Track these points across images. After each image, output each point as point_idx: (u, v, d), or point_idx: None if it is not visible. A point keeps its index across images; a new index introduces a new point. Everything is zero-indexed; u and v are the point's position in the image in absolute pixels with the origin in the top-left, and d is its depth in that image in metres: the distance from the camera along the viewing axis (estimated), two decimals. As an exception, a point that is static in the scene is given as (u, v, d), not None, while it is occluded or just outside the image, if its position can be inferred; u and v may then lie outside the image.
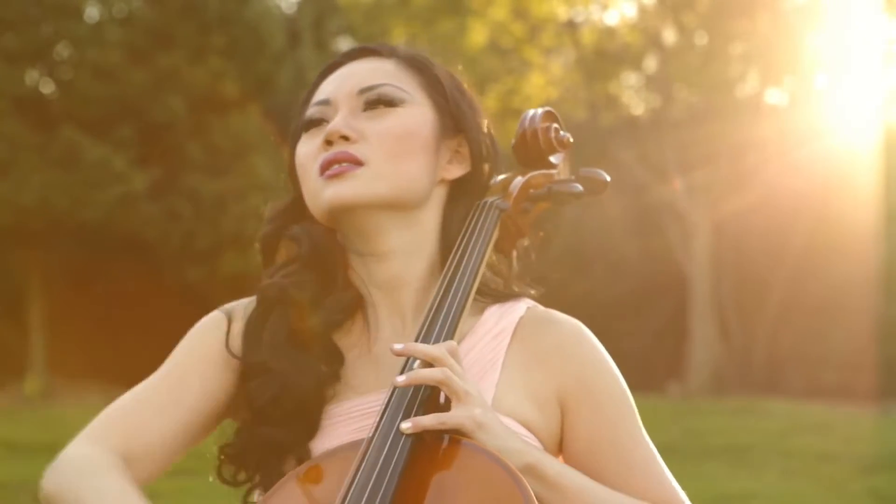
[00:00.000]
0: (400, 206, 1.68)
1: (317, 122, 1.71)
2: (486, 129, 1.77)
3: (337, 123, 1.67)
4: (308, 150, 1.71)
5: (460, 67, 1.82)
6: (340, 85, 1.72)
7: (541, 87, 18.07)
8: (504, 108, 17.52)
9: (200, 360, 1.74)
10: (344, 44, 21.66)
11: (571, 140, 1.83)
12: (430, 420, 1.51)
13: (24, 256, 19.34)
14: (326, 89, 1.73)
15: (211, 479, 1.74)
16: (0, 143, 17.50)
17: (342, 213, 1.67)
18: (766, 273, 19.64)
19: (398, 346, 1.57)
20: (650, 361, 19.31)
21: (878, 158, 17.51)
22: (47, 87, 19.15)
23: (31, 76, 18.88)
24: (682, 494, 1.66)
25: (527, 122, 1.80)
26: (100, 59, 17.95)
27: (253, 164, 18.25)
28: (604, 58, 18.89)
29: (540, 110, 1.81)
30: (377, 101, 1.69)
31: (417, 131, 1.69)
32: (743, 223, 19.17)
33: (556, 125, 1.81)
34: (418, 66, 1.74)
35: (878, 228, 18.10)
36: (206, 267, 18.09)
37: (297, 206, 1.75)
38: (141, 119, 18.21)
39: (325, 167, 1.66)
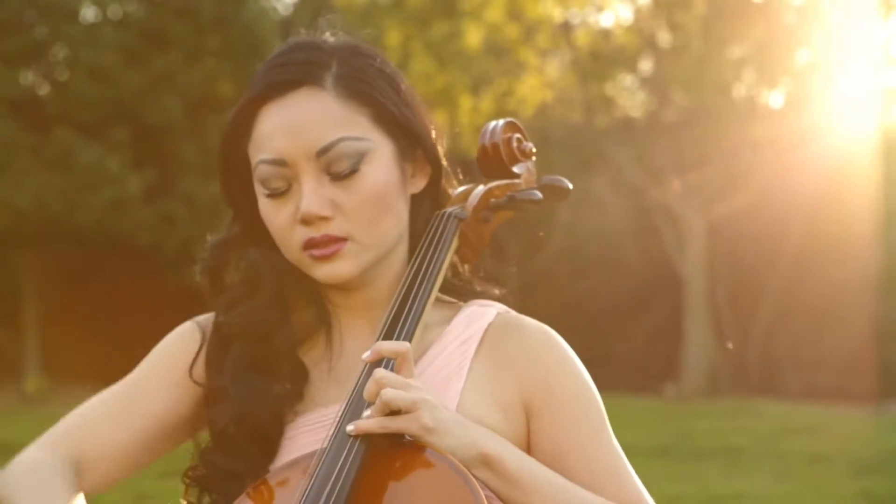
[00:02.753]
0: (386, 255, 1.69)
1: (277, 187, 1.65)
2: (431, 124, 1.73)
3: (311, 204, 1.61)
4: (280, 222, 1.65)
5: (408, 82, 1.75)
6: (292, 142, 1.62)
7: (536, 89, 18.05)
8: (499, 110, 17.52)
9: (167, 369, 1.76)
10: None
11: (534, 150, 1.83)
12: (372, 423, 1.52)
13: (20, 258, 19.34)
14: (275, 143, 1.63)
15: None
16: (-5, 144, 17.51)
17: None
18: (762, 275, 19.66)
19: (366, 354, 1.58)
20: (645, 363, 19.34)
21: (875, 160, 17.52)
22: (42, 89, 19.15)
23: (27, 77, 18.89)
24: (648, 497, 1.65)
25: (487, 135, 1.80)
26: (95, 60, 17.95)
27: (248, 165, 18.26)
28: (599, 59, 18.90)
29: (501, 122, 1.81)
30: (341, 166, 1.63)
31: (388, 183, 1.65)
32: (738, 225, 19.18)
33: (518, 135, 1.82)
34: (363, 96, 1.65)
35: (874, 230, 18.10)
36: (201, 269, 18.06)
37: (246, 236, 1.74)
38: (136, 121, 18.21)
39: (308, 246, 1.64)
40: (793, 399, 17.37)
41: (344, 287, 1.70)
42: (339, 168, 1.63)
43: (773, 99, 19.22)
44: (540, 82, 18.21)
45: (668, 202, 18.79)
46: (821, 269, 18.98)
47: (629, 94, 20.78)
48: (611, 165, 19.74)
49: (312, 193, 1.62)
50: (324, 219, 1.63)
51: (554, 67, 19.47)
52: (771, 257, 19.48)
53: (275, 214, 1.66)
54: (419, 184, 1.74)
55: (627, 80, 20.43)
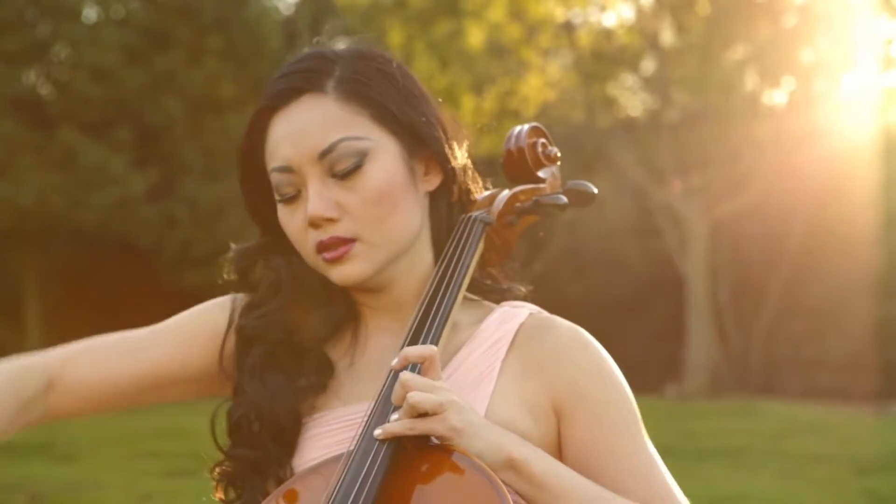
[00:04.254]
0: (401, 252, 1.70)
1: (289, 193, 1.69)
2: (438, 123, 1.73)
3: (316, 208, 1.65)
4: (294, 227, 1.69)
5: (415, 80, 1.75)
6: (296, 148, 1.66)
7: (538, 89, 18.05)
8: (502, 109, 17.52)
9: (192, 326, 1.79)
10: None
11: (559, 154, 1.84)
12: (399, 426, 1.53)
13: (22, 257, 19.35)
14: (282, 151, 1.67)
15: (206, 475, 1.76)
16: (-3, 143, 17.51)
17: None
18: (764, 275, 19.65)
19: (394, 363, 1.59)
20: (647, 363, 19.31)
21: (876, 161, 17.52)
22: (44, 88, 19.16)
23: (29, 77, 18.89)
24: (682, 498, 1.64)
25: (512, 140, 1.81)
26: (97, 60, 17.96)
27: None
28: (601, 59, 18.88)
29: (526, 127, 1.82)
30: (343, 165, 1.65)
31: (393, 180, 1.67)
32: (740, 225, 19.18)
33: (542, 140, 1.83)
34: (362, 97, 1.68)
35: (876, 231, 18.11)
36: (203, 270, 18.09)
37: (271, 246, 1.77)
38: (138, 121, 18.22)
39: (320, 249, 1.67)
40: (794, 399, 17.38)
41: (364, 288, 1.72)
42: (341, 168, 1.66)
43: (776, 99, 19.22)
44: (542, 82, 18.21)
45: (671, 202, 18.78)
46: (823, 269, 18.98)
47: (631, 94, 20.76)
48: (613, 165, 19.73)
49: (317, 196, 1.65)
50: (330, 220, 1.66)
51: (556, 67, 19.45)
52: (773, 257, 19.48)
53: (289, 220, 1.70)
54: (433, 181, 1.75)
55: (629, 79, 20.41)
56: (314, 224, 1.66)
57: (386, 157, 1.67)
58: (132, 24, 18.64)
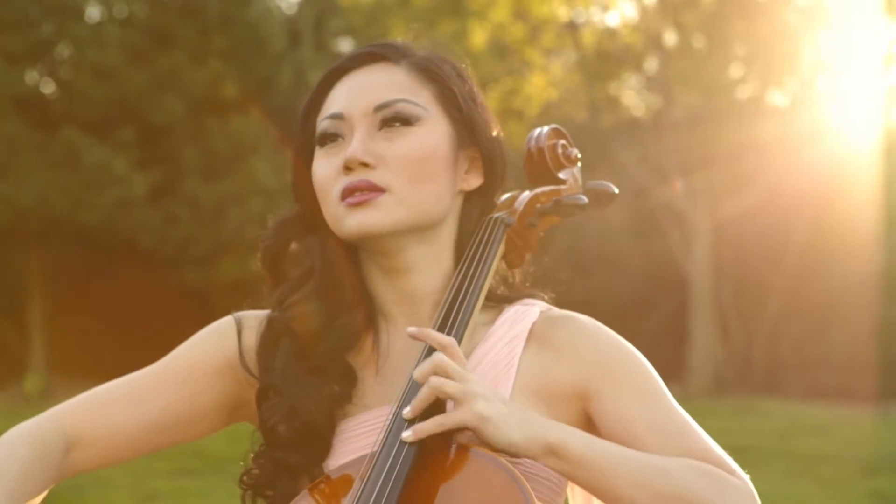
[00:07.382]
0: (422, 227, 1.70)
1: (332, 138, 1.71)
2: (495, 134, 1.77)
3: (355, 150, 1.66)
4: (326, 172, 1.70)
5: (466, 65, 1.82)
6: (354, 99, 1.70)
7: (541, 88, 18.06)
8: (505, 109, 17.52)
9: (193, 363, 1.76)
10: (344, 45, 21.64)
11: (580, 156, 1.86)
12: (429, 425, 1.52)
13: (24, 256, 19.35)
14: (339, 101, 1.71)
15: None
16: (-1, 143, 17.51)
17: (366, 239, 1.69)
18: (767, 275, 19.64)
19: (413, 329, 1.60)
20: (651, 363, 19.30)
21: (879, 160, 17.52)
22: (47, 88, 19.16)
23: (31, 76, 18.89)
24: (718, 449, 1.64)
25: (532, 142, 1.83)
26: (100, 59, 17.95)
27: (253, 166, 18.24)
28: (604, 59, 18.89)
29: (546, 128, 1.84)
30: (393, 120, 1.68)
31: (436, 151, 1.69)
32: (743, 225, 19.17)
33: (563, 142, 1.84)
34: (431, 75, 1.73)
35: (879, 230, 18.10)
36: (205, 270, 18.09)
37: (305, 218, 1.76)
38: (141, 120, 18.21)
39: (346, 194, 1.67)
40: (797, 398, 17.38)
41: (384, 267, 1.72)
42: (391, 120, 1.68)
43: (779, 99, 19.21)
44: (545, 81, 18.22)
45: (673, 202, 18.78)
46: (826, 269, 18.97)
47: (634, 94, 20.76)
48: (615, 165, 19.71)
49: (360, 142, 1.67)
50: (365, 166, 1.67)
51: (559, 67, 19.46)
52: (776, 257, 19.47)
53: (323, 165, 1.71)
54: (472, 182, 1.76)
55: (633, 79, 20.41)
56: (349, 165, 1.66)
57: (436, 131, 1.70)
58: (135, 23, 18.63)
